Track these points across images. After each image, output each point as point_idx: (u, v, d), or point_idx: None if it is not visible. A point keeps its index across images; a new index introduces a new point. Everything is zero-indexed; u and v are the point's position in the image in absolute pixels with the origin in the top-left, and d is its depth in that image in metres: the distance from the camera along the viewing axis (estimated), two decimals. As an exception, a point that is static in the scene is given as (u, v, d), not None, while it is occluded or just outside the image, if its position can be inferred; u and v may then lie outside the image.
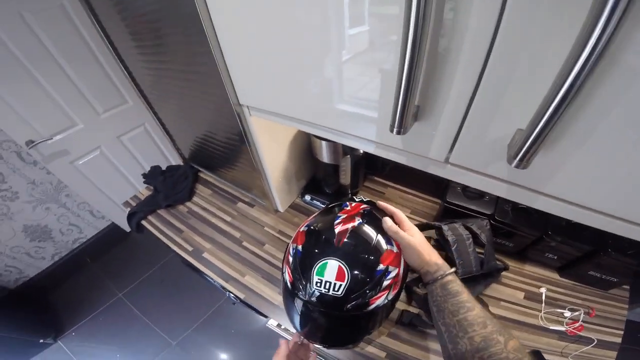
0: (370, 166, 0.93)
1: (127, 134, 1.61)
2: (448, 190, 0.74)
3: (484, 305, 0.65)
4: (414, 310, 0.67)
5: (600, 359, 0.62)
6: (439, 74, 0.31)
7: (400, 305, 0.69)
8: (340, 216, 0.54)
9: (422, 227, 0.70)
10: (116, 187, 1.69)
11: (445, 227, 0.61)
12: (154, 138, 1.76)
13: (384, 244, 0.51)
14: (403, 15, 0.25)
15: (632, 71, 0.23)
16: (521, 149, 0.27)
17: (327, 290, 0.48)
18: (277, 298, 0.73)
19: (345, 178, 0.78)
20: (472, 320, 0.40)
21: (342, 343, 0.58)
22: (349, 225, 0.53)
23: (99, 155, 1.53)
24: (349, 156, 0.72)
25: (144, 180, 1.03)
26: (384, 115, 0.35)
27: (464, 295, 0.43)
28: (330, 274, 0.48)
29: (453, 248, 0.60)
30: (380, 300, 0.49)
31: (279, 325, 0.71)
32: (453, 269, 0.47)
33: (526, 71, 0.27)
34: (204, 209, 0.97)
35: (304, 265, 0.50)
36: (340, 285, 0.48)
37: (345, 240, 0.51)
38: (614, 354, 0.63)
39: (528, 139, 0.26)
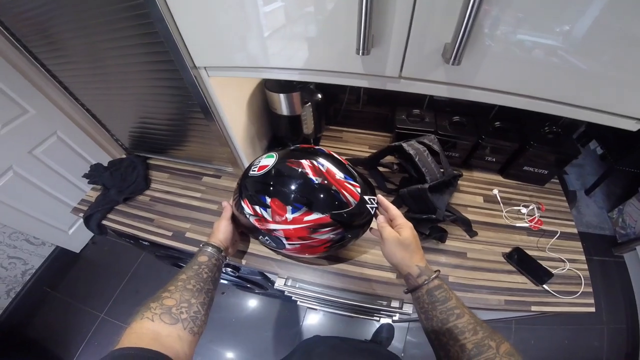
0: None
1: (39, 147, 1.41)
2: (395, 120, 0.86)
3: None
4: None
5: (571, 249, 0.71)
6: (384, 8, 0.39)
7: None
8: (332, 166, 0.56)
9: (383, 152, 0.80)
10: (46, 208, 1.51)
11: (405, 145, 0.71)
12: (72, 145, 1.56)
13: (311, 207, 0.53)
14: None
15: None
16: (452, 51, 0.37)
17: (253, 170, 0.58)
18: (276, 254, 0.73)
19: (308, 127, 0.84)
20: (462, 328, 0.40)
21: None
22: (326, 175, 0.54)
23: (14, 176, 1.34)
24: (309, 103, 0.78)
25: (87, 180, 0.94)
26: (349, 44, 0.42)
27: (453, 301, 0.42)
28: (265, 162, 0.57)
29: (416, 159, 0.69)
30: (246, 210, 0.57)
31: (287, 282, 0.72)
32: (437, 272, 0.46)
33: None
34: (168, 192, 0.93)
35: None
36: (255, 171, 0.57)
37: (312, 174, 0.53)
38: (579, 244, 0.72)
39: (455, 43, 0.36)
